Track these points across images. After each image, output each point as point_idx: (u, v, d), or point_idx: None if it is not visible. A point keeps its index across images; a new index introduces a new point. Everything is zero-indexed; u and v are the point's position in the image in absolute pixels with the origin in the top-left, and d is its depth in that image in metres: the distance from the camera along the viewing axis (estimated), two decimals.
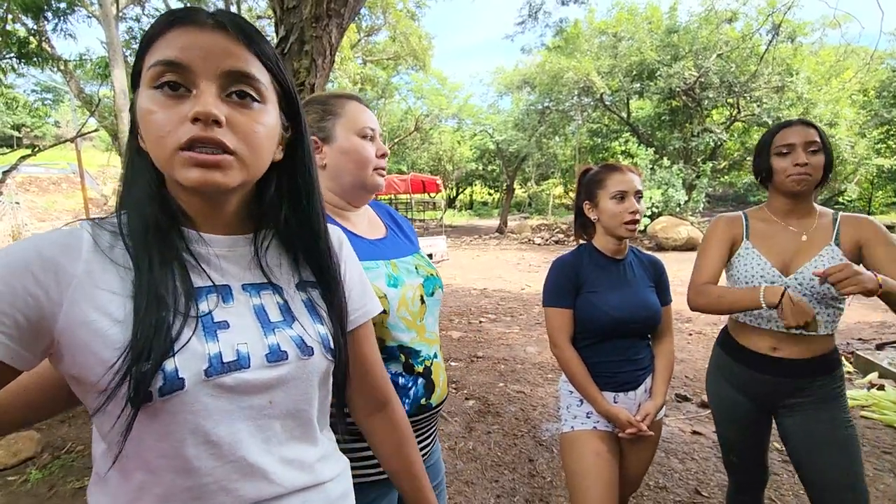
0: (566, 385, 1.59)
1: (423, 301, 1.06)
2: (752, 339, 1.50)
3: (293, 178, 0.68)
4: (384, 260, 1.04)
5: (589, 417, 1.53)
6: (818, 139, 1.41)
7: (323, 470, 0.68)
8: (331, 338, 0.67)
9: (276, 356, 0.61)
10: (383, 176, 1.10)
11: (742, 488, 1.68)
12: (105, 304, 0.53)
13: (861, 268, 1.28)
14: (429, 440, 1.12)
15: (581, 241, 1.65)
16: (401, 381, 1.01)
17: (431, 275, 1.12)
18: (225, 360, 0.56)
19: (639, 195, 1.48)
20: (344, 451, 0.79)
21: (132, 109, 0.59)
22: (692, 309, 1.57)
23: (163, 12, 0.59)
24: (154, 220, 0.58)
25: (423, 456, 1.10)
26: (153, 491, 0.56)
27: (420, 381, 1.02)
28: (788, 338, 1.44)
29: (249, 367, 0.58)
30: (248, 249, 0.66)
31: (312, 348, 0.64)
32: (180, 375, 0.53)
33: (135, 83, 0.59)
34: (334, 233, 0.79)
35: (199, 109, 0.53)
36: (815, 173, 1.42)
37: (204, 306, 0.58)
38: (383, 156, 1.09)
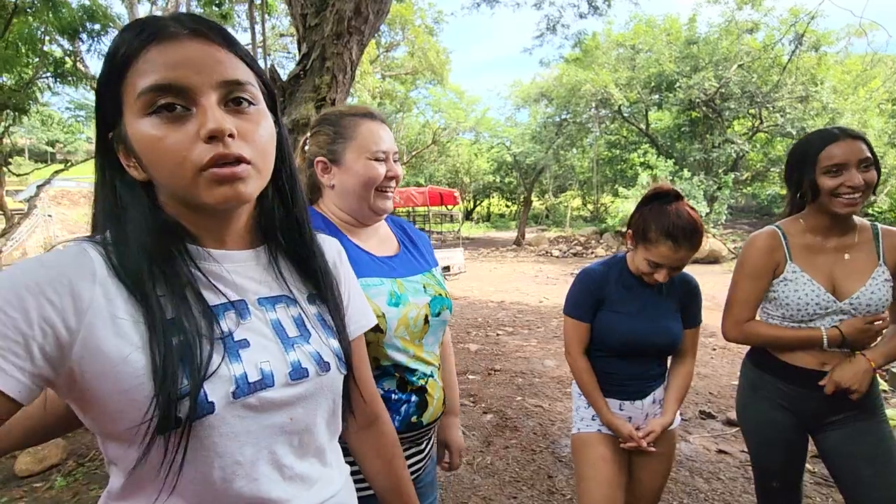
0: (577, 387, 1.60)
1: (426, 321, 1.05)
2: (799, 356, 1.44)
3: (278, 173, 0.65)
4: (390, 278, 1.04)
5: (594, 420, 1.55)
6: (869, 154, 1.32)
7: (334, 480, 0.69)
8: (342, 351, 0.68)
9: (298, 374, 0.61)
10: (389, 197, 1.09)
11: None
12: (125, 330, 0.51)
13: (847, 364, 1.36)
14: (420, 458, 1.11)
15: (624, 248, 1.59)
16: (393, 397, 1.01)
17: (440, 294, 1.12)
18: (251, 381, 0.56)
19: (680, 267, 1.40)
20: None
21: (105, 140, 0.57)
22: (728, 340, 1.54)
23: (122, 28, 0.56)
24: (158, 248, 0.56)
25: (419, 473, 1.10)
26: None
27: (413, 398, 1.03)
28: (835, 354, 1.41)
29: (273, 385, 0.58)
30: (260, 262, 0.66)
31: (329, 363, 0.65)
32: (209, 399, 0.52)
33: (109, 112, 0.55)
34: (332, 244, 0.79)
35: (212, 127, 0.52)
36: (867, 191, 1.33)
37: (224, 325, 0.57)
38: (393, 178, 1.08)
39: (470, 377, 4.36)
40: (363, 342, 0.82)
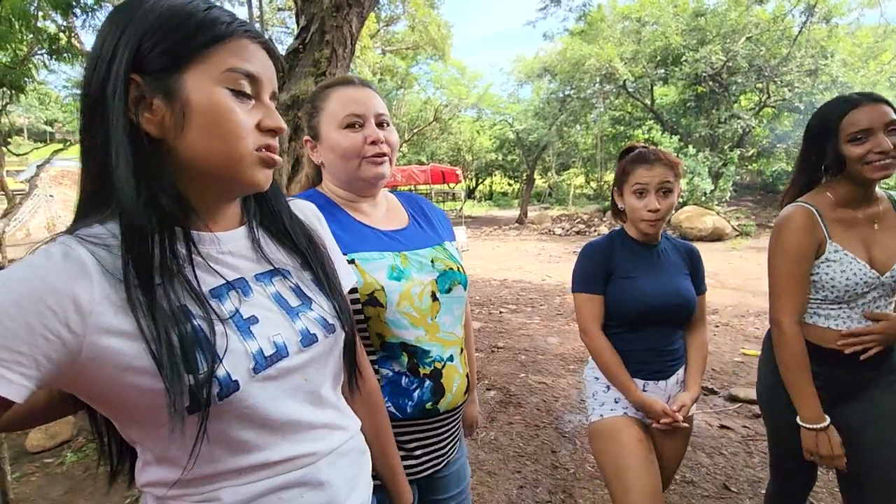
0: (592, 371, 1.55)
1: (434, 298, 1.00)
2: (828, 337, 1.38)
3: None
4: (392, 252, 1.00)
5: (617, 403, 1.49)
6: (895, 116, 1.26)
7: (349, 426, 0.74)
8: (343, 310, 0.72)
9: (308, 340, 0.65)
10: (379, 163, 1.01)
11: (789, 493, 1.57)
12: (132, 324, 0.51)
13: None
14: (444, 448, 1.07)
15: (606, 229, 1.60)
16: (403, 381, 0.96)
17: (451, 269, 1.05)
18: (267, 355, 0.59)
19: (665, 189, 1.40)
20: None
21: (124, 82, 0.53)
22: (783, 335, 1.38)
23: (213, 4, 0.59)
24: (161, 224, 0.55)
25: (437, 465, 1.06)
26: (218, 470, 0.58)
27: (427, 383, 0.97)
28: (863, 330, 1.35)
29: (288, 355, 0.62)
30: (250, 238, 0.68)
31: (334, 325, 0.69)
32: (233, 378, 0.55)
33: (156, 58, 0.54)
34: (309, 208, 0.82)
35: (277, 125, 0.62)
36: None
37: (229, 305, 0.59)
38: (374, 142, 0.99)
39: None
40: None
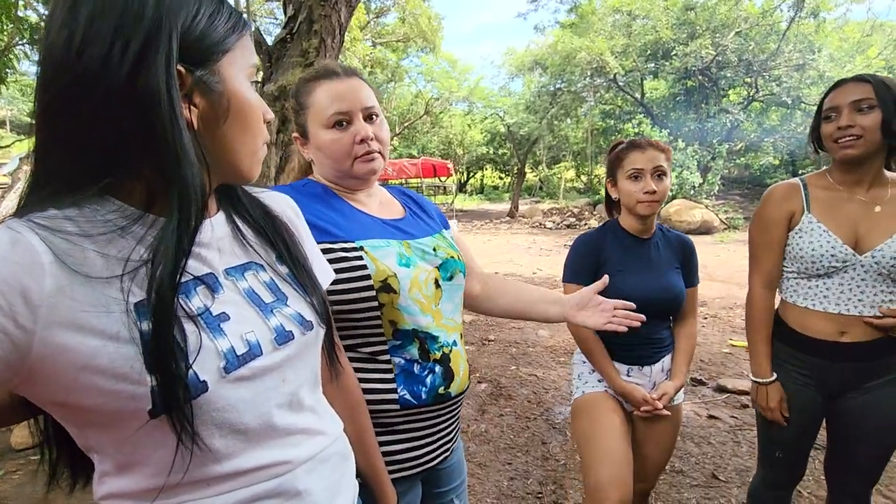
0: (579, 356, 1.59)
1: (437, 285, 1.00)
2: (816, 325, 1.37)
3: None
4: (396, 240, 0.99)
5: (600, 382, 1.53)
6: (871, 95, 1.25)
7: (330, 430, 0.70)
8: (320, 306, 0.69)
9: (283, 337, 0.61)
10: (370, 160, 0.98)
11: (776, 484, 1.57)
12: (89, 322, 0.47)
13: None
14: (450, 435, 1.07)
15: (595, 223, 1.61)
16: (416, 368, 0.96)
17: (452, 257, 1.05)
18: (238, 353, 0.55)
19: (659, 173, 1.43)
20: None
21: (168, 71, 0.50)
22: (753, 304, 1.49)
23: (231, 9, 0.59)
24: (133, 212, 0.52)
25: (444, 454, 1.05)
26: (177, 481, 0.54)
27: (438, 368, 0.98)
28: (855, 319, 1.32)
29: (262, 353, 0.58)
30: (222, 230, 0.63)
31: (311, 322, 0.66)
32: (202, 378, 0.51)
33: (196, 51, 0.54)
34: (284, 200, 0.78)
35: (273, 117, 0.65)
36: (867, 134, 1.25)
37: (197, 301, 0.55)
38: (363, 141, 0.96)
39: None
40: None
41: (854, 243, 1.32)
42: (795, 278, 1.42)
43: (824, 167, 1.44)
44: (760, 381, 1.46)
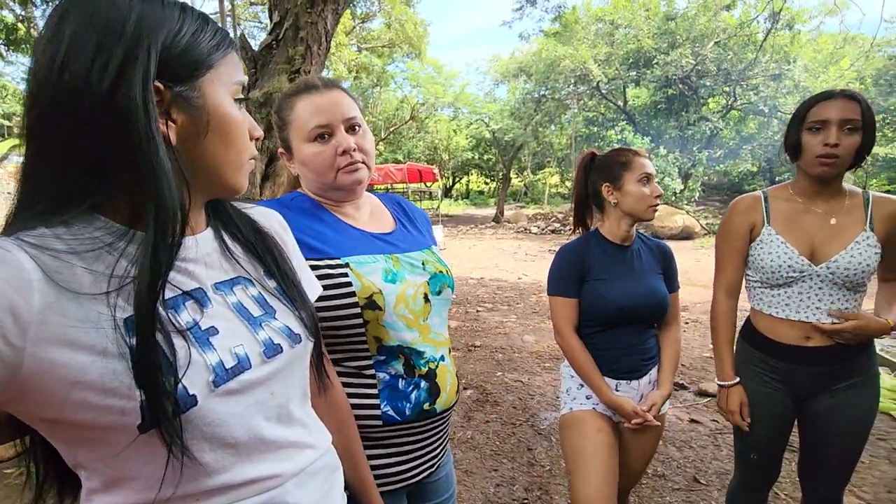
0: (568, 369, 1.59)
1: (426, 300, 1.00)
2: (783, 331, 1.42)
3: None
4: (384, 254, 0.99)
5: (588, 399, 1.53)
6: (858, 116, 1.27)
7: (319, 443, 0.71)
8: (309, 319, 0.69)
9: (272, 351, 0.62)
10: (354, 170, 0.97)
11: (751, 486, 1.61)
12: (79, 337, 0.47)
13: (869, 315, 1.35)
14: (437, 450, 1.07)
15: (578, 233, 1.63)
16: (401, 384, 0.96)
17: (441, 272, 1.05)
18: (227, 367, 0.56)
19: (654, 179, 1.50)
20: None
21: (144, 88, 0.50)
22: (716, 309, 1.57)
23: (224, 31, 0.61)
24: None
25: (430, 469, 1.05)
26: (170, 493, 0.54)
27: (423, 383, 0.98)
28: (814, 326, 1.38)
29: (251, 367, 0.58)
30: (210, 245, 0.64)
31: (300, 335, 0.66)
32: (191, 392, 0.52)
33: (179, 67, 0.54)
34: (272, 216, 0.79)
35: (261, 134, 0.66)
36: (844, 156, 1.29)
37: (186, 316, 0.55)
38: (345, 152, 0.95)
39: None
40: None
41: (810, 254, 1.38)
42: (760, 287, 1.48)
43: (788, 181, 1.49)
44: (725, 384, 1.52)
